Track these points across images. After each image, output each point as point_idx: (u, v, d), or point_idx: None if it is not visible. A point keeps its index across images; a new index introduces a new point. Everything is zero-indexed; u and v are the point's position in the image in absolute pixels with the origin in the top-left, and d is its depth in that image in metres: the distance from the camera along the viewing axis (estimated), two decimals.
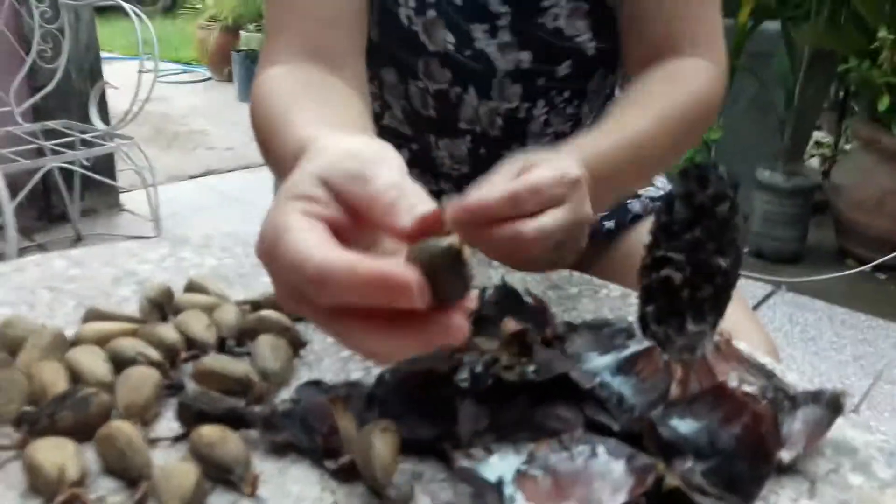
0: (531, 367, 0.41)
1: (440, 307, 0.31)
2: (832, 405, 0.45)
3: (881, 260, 2.35)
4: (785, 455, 0.43)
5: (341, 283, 0.30)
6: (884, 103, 2.26)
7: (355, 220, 0.34)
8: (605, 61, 0.75)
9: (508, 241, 0.49)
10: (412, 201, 0.32)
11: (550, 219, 0.49)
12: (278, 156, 0.52)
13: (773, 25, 2.55)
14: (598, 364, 0.45)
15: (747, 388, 0.43)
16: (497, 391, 0.41)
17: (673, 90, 0.67)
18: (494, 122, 0.76)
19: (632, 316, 0.48)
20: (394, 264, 0.30)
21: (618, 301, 0.66)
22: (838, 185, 2.55)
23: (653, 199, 0.87)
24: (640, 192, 0.88)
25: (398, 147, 0.81)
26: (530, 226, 0.49)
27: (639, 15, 0.71)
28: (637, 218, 0.87)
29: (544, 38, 0.71)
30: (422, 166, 0.82)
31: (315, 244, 0.31)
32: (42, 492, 0.39)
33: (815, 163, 3.17)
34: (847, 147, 2.97)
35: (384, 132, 0.81)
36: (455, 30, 0.71)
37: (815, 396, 0.46)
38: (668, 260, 0.43)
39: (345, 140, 0.38)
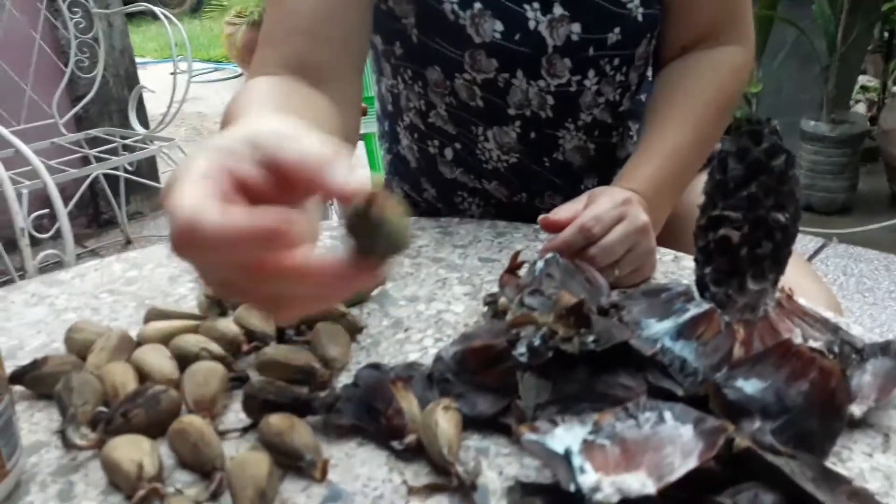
0: (590, 338, 0.41)
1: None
2: None
3: None
4: (856, 409, 0.42)
5: (210, 233, 0.29)
6: None
7: (278, 186, 0.33)
8: (651, 27, 0.75)
9: (589, 264, 0.57)
10: (349, 162, 0.32)
11: (610, 236, 0.58)
12: None
13: None
14: (658, 330, 0.44)
15: (813, 344, 0.42)
16: (557, 363, 0.41)
17: (708, 87, 0.75)
18: (545, 101, 0.75)
19: (687, 279, 0.48)
20: (262, 209, 0.29)
21: (671, 265, 0.66)
22: (887, 129, 2.46)
23: None
24: None
25: (442, 147, 0.83)
26: (595, 247, 0.58)
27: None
28: None
29: (596, 6, 0.71)
30: (466, 165, 0.82)
31: (197, 195, 0.30)
32: (122, 488, 0.41)
33: (861, 108, 3.06)
34: (895, 90, 2.86)
35: (430, 131, 0.81)
36: (504, 16, 0.70)
37: (883, 348, 0.45)
38: (724, 219, 0.42)
39: (280, 120, 0.36)
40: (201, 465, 0.41)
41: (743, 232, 0.42)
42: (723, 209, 0.42)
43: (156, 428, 0.44)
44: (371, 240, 0.30)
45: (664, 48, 0.78)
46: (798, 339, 0.43)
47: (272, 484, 0.39)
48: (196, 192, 0.30)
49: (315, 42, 0.66)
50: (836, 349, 0.44)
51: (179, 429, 0.42)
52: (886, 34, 2.98)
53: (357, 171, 0.32)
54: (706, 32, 0.76)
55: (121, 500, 0.41)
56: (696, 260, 0.45)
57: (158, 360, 0.50)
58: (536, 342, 0.41)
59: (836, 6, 2.40)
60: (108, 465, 0.41)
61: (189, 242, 0.30)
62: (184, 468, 0.43)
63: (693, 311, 0.45)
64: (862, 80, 3.17)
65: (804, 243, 2.22)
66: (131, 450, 0.41)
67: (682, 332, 0.44)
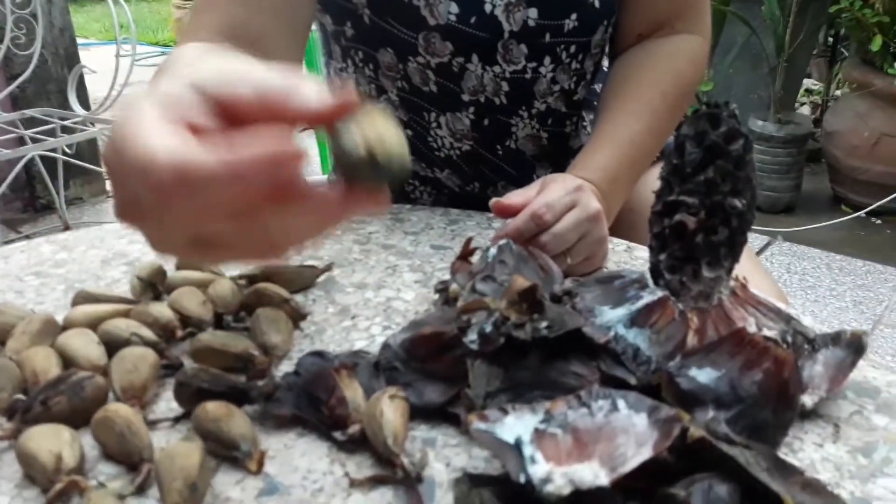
0: (543, 324, 0.39)
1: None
2: (854, 346, 0.43)
3: (876, 205, 2.34)
4: (807, 399, 0.42)
5: (206, 173, 0.26)
6: (876, 44, 2.23)
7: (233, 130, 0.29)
8: (608, 14, 0.74)
9: (541, 252, 0.55)
10: (316, 85, 0.28)
11: (562, 223, 0.57)
12: None
13: None
14: (611, 317, 0.43)
15: (767, 333, 0.42)
16: (508, 350, 0.40)
17: (664, 76, 0.73)
18: (500, 87, 0.74)
19: (640, 269, 0.47)
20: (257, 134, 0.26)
21: (624, 255, 0.65)
22: (831, 131, 2.53)
23: None
24: None
25: None
26: (547, 234, 0.56)
27: None
28: None
29: None
30: (417, 152, 0.80)
31: (169, 137, 0.27)
32: (38, 481, 0.38)
33: (805, 111, 3.14)
34: (838, 93, 2.94)
35: None
36: None
37: (834, 338, 0.44)
38: (680, 204, 0.41)
39: (222, 59, 0.32)
40: (128, 456, 0.39)
41: (699, 217, 0.41)
42: (679, 194, 0.41)
43: (79, 417, 0.41)
44: (368, 165, 0.27)
45: (620, 36, 0.78)
46: (752, 328, 0.42)
47: (204, 476, 0.37)
48: (166, 136, 0.27)
49: (252, 9, 0.63)
50: (789, 339, 0.43)
51: (104, 417, 0.39)
52: (831, 39, 3.06)
53: (328, 88, 0.28)
54: (663, 20, 0.76)
55: (37, 494, 0.38)
56: (650, 246, 0.44)
57: (85, 345, 0.46)
58: (488, 328, 0.39)
59: (784, 8, 2.45)
60: (24, 456, 0.38)
61: (179, 190, 0.26)
62: (108, 460, 0.40)
63: (647, 298, 0.44)
64: (807, 83, 3.25)
65: (750, 240, 2.27)
66: (50, 440, 0.38)
67: (635, 320, 0.43)
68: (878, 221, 2.45)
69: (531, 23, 0.71)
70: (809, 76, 3.33)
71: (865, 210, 2.38)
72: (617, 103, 0.72)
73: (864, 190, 2.43)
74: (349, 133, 0.28)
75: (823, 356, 0.43)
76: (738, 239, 0.42)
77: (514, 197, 0.60)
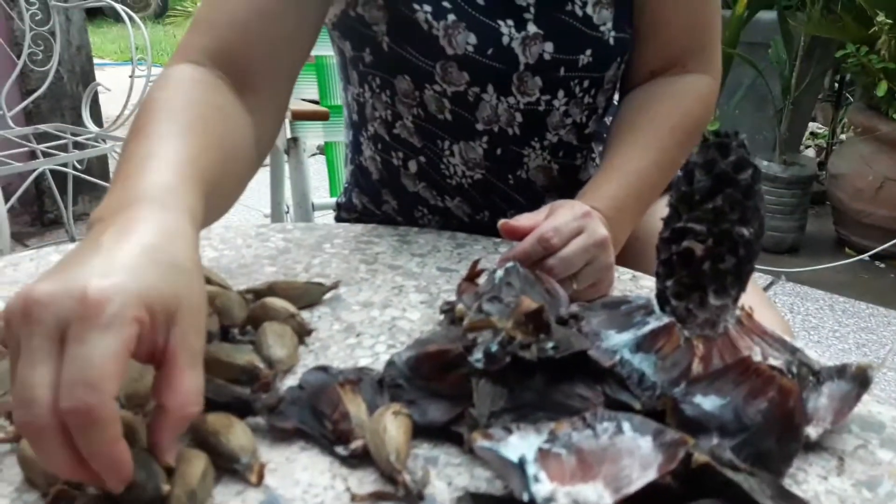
0: (549, 345, 0.39)
1: None
2: (859, 379, 0.43)
3: (880, 248, 2.34)
4: (812, 431, 0.41)
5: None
6: (881, 89, 2.25)
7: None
8: (622, 51, 0.75)
9: (548, 276, 0.55)
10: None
11: (569, 248, 0.58)
12: (131, 159, 0.47)
13: (769, 15, 2.54)
14: (617, 342, 0.43)
15: (773, 363, 0.42)
16: (514, 371, 0.40)
17: (674, 112, 0.75)
18: (513, 118, 0.75)
19: (646, 297, 0.47)
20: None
21: (629, 283, 0.65)
22: (836, 174, 2.54)
23: None
24: None
25: (406, 159, 0.82)
26: (554, 258, 0.57)
27: (660, 21, 0.76)
28: None
29: (570, 26, 0.71)
30: (429, 179, 0.80)
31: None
32: (38, 485, 0.38)
33: (810, 153, 3.16)
34: (843, 137, 2.96)
35: (395, 143, 0.80)
36: (478, 30, 0.70)
37: (839, 371, 0.44)
38: (688, 231, 0.41)
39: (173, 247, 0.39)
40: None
41: (707, 245, 0.41)
42: (687, 221, 0.41)
43: None
44: None
45: (633, 73, 0.79)
46: (758, 357, 0.42)
47: (205, 485, 0.37)
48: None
49: (248, 37, 0.62)
50: (794, 369, 0.43)
51: None
52: (836, 84, 3.09)
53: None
54: (675, 60, 0.77)
55: (36, 498, 0.37)
56: (657, 273, 0.44)
57: None
58: (493, 348, 0.40)
59: (791, 51, 2.48)
60: (24, 460, 0.38)
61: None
62: None
63: (653, 324, 0.44)
64: (812, 126, 3.28)
65: (754, 279, 2.27)
66: None
67: (641, 345, 0.43)
68: (882, 265, 2.45)
69: (547, 56, 0.72)
70: (815, 119, 3.36)
71: (869, 253, 2.38)
72: (627, 137, 0.73)
73: (868, 233, 2.43)
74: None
75: (829, 389, 0.43)
76: (745, 268, 0.42)
77: (522, 220, 0.61)
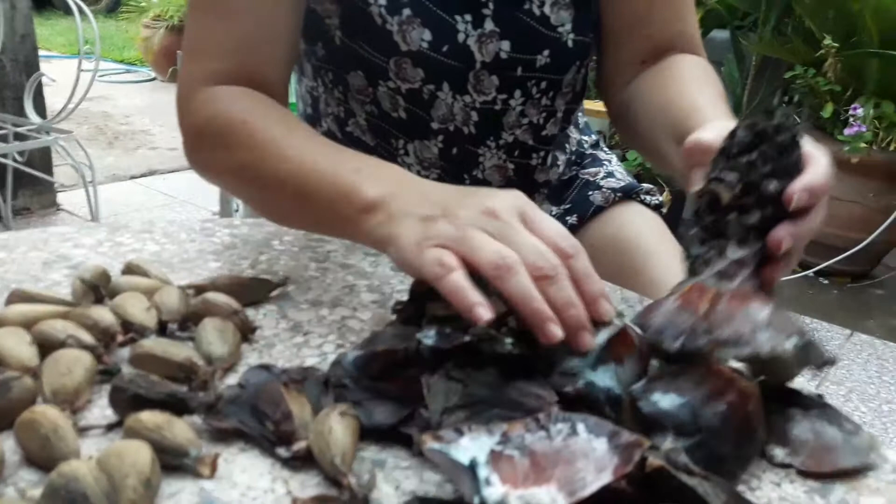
0: (508, 341, 0.38)
1: None
2: (868, 448, 0.41)
3: (823, 265, 2.40)
4: (779, 453, 0.41)
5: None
6: (828, 111, 2.32)
7: None
8: (581, 55, 0.74)
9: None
10: None
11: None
12: (310, 171, 0.55)
13: (722, 34, 2.60)
14: (576, 363, 0.41)
15: (786, 345, 0.39)
16: (467, 366, 0.38)
17: (703, 74, 0.69)
18: (469, 117, 0.73)
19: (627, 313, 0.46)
20: None
21: (613, 296, 0.64)
22: None
23: (614, 191, 0.86)
24: (602, 183, 0.87)
25: None
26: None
27: (636, 19, 0.73)
28: (599, 210, 0.85)
29: (528, 26, 0.70)
30: None
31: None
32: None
33: None
34: None
35: (347, 141, 0.78)
36: (434, 25, 0.68)
37: (833, 416, 0.43)
38: (720, 180, 0.42)
39: None
40: (52, 461, 0.35)
41: (734, 193, 0.42)
42: (721, 171, 0.42)
43: (3, 419, 0.38)
44: None
45: (622, 66, 0.75)
46: (765, 313, 0.41)
47: (156, 472, 0.35)
48: None
49: (261, 58, 0.65)
50: (790, 349, 0.40)
51: (30, 419, 0.37)
52: (785, 104, 3.17)
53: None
54: (662, 46, 0.73)
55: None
56: (685, 220, 0.45)
57: (16, 344, 0.44)
58: (447, 329, 0.38)
59: (742, 70, 2.53)
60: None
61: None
62: (31, 466, 0.37)
63: (605, 334, 0.42)
64: None
65: None
66: None
67: (600, 359, 0.41)
68: (826, 282, 2.51)
69: (503, 55, 0.71)
70: None
71: (813, 269, 2.44)
72: (700, 91, 0.64)
73: (813, 250, 2.50)
74: None
75: (812, 424, 0.42)
76: (771, 225, 0.42)
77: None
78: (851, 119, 2.21)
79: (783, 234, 0.44)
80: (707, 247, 0.43)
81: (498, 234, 0.43)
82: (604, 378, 0.41)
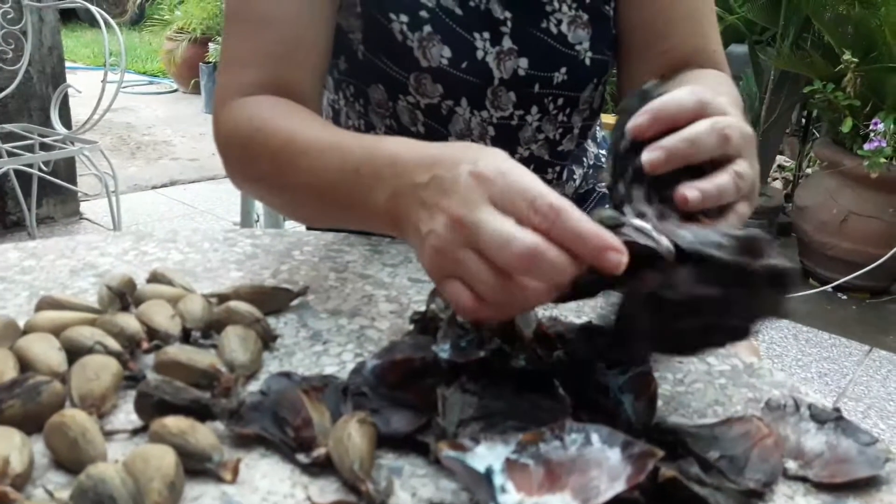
0: (521, 356, 0.39)
1: None
2: (883, 459, 0.41)
3: (842, 280, 2.39)
4: (793, 465, 0.41)
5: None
6: (847, 125, 2.31)
7: None
8: (598, 73, 0.75)
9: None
10: None
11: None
12: (349, 158, 0.54)
13: (741, 48, 2.60)
14: (610, 381, 0.42)
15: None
16: (483, 379, 0.39)
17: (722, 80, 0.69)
18: (486, 132, 0.75)
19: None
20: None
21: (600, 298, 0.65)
22: (801, 206, 2.59)
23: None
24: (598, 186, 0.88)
25: None
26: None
27: (653, 34, 0.73)
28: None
29: (545, 44, 0.71)
30: None
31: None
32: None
33: (777, 185, 3.22)
34: (809, 171, 3.03)
35: None
36: (453, 43, 0.70)
37: (849, 428, 0.43)
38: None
39: None
40: (80, 464, 0.37)
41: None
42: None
43: (32, 422, 0.39)
44: None
45: (642, 78, 0.74)
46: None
47: (181, 475, 0.36)
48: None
49: (292, 67, 0.66)
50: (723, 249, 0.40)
51: (59, 422, 0.38)
52: (804, 119, 3.16)
53: None
54: (681, 61, 0.73)
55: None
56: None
57: (45, 350, 0.45)
58: (462, 342, 0.39)
59: (761, 85, 2.53)
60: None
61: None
62: (59, 468, 0.38)
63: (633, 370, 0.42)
64: (779, 159, 3.34)
65: None
66: None
67: (626, 386, 0.42)
68: (844, 297, 2.49)
69: (521, 72, 0.72)
70: (782, 153, 3.43)
71: (832, 285, 2.42)
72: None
73: (832, 265, 2.48)
74: None
75: (827, 437, 0.42)
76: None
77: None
78: (871, 134, 2.20)
79: (688, 190, 0.43)
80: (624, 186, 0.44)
81: (469, 242, 0.40)
82: (627, 402, 0.41)
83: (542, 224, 0.38)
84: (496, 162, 0.42)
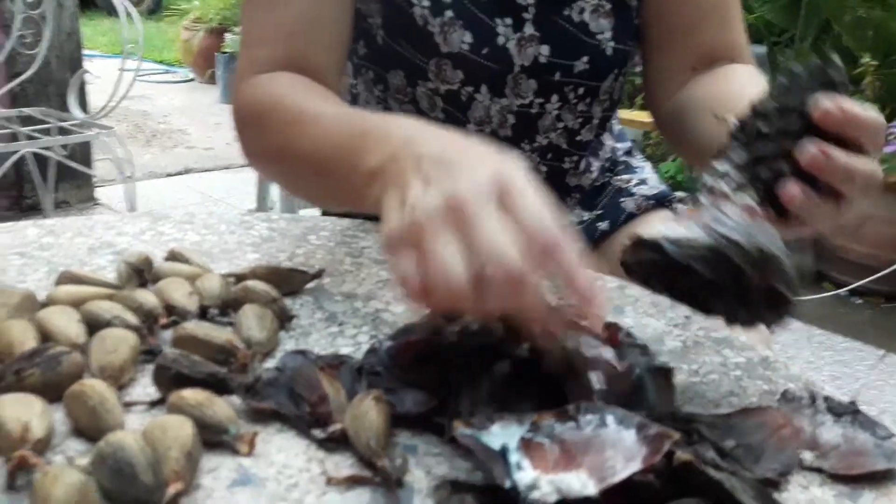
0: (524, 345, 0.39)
1: None
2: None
3: (857, 284, 2.37)
4: (808, 456, 0.41)
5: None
6: None
7: None
8: (620, 63, 0.74)
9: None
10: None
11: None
12: (347, 127, 0.54)
13: (759, 49, 2.58)
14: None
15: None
16: (494, 360, 0.39)
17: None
18: (506, 120, 0.74)
19: (629, 307, 0.47)
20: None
21: (615, 291, 0.65)
22: None
23: (647, 198, 0.86)
24: (634, 190, 0.87)
25: None
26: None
27: (685, 27, 0.73)
28: (631, 216, 0.85)
29: (567, 31, 0.71)
30: None
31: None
32: (3, 450, 0.36)
33: None
34: None
35: None
36: (475, 28, 0.69)
37: (865, 422, 0.43)
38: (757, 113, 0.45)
39: None
40: (99, 432, 0.37)
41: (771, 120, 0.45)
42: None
43: (52, 391, 0.40)
44: None
45: (673, 71, 0.75)
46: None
47: (198, 446, 0.36)
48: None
49: (309, 45, 0.67)
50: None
51: (78, 391, 0.38)
52: None
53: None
54: (713, 54, 0.73)
55: (1, 462, 0.36)
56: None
57: (65, 322, 0.45)
58: (474, 325, 0.39)
59: None
60: None
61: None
62: (79, 436, 0.39)
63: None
64: None
65: None
66: (19, 409, 0.36)
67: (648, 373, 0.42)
68: (859, 301, 2.47)
69: (542, 59, 0.72)
70: None
71: (847, 288, 2.40)
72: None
73: (847, 269, 2.46)
74: None
75: (844, 429, 0.42)
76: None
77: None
78: (890, 137, 2.18)
79: (795, 191, 0.43)
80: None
81: (459, 232, 0.38)
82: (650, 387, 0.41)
83: (538, 254, 0.37)
84: (521, 173, 0.41)
